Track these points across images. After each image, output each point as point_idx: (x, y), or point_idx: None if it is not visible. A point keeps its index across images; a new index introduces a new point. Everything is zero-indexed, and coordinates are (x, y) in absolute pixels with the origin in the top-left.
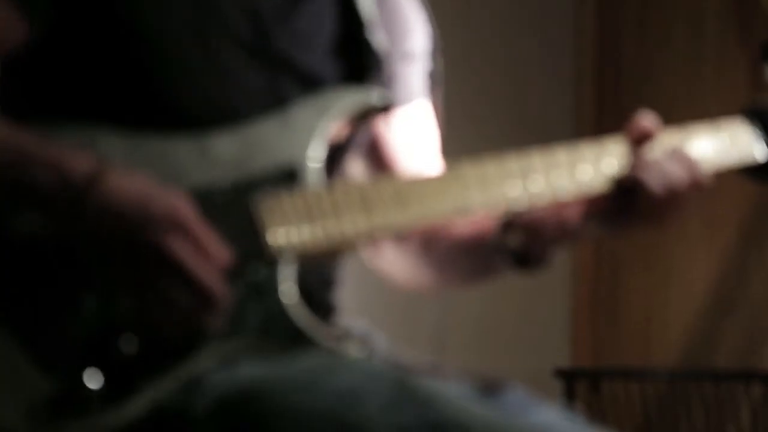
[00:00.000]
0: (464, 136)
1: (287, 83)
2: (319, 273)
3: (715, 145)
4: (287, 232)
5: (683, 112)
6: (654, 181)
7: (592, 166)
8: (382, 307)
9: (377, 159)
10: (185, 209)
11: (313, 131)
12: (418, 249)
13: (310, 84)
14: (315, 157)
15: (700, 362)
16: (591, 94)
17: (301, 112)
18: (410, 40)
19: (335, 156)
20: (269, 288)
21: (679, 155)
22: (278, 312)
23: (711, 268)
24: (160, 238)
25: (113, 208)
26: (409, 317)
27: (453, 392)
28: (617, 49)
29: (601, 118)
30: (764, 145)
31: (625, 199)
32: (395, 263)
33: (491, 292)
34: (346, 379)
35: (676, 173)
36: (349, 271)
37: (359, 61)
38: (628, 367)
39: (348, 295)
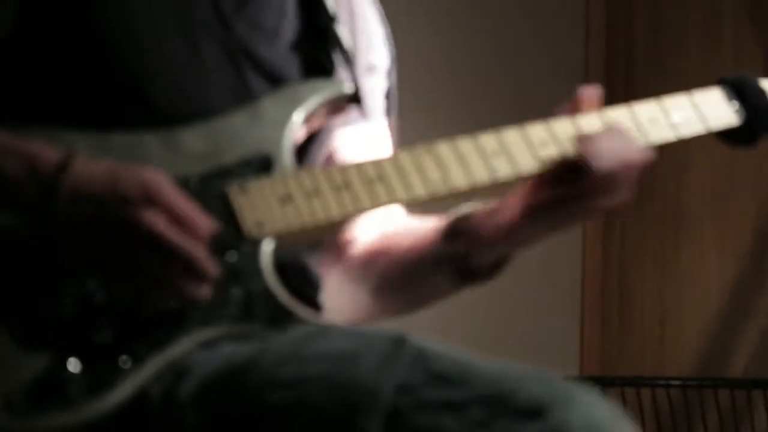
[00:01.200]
0: (471, 125)
1: (252, 77)
2: (301, 270)
3: (691, 113)
4: (264, 214)
5: None
6: (592, 154)
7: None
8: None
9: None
10: (157, 181)
11: (286, 121)
12: (358, 273)
13: (274, 79)
14: (288, 146)
15: (714, 370)
16: (600, 82)
17: (272, 103)
18: (373, 53)
19: (304, 150)
20: (249, 270)
21: (616, 130)
22: (260, 292)
23: (725, 273)
24: (135, 214)
25: (84, 190)
26: (413, 325)
27: (445, 347)
28: (628, 34)
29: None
30: (738, 110)
31: (565, 182)
32: (339, 295)
33: (498, 298)
34: (336, 343)
35: (615, 147)
36: None
37: (325, 57)
38: (639, 375)
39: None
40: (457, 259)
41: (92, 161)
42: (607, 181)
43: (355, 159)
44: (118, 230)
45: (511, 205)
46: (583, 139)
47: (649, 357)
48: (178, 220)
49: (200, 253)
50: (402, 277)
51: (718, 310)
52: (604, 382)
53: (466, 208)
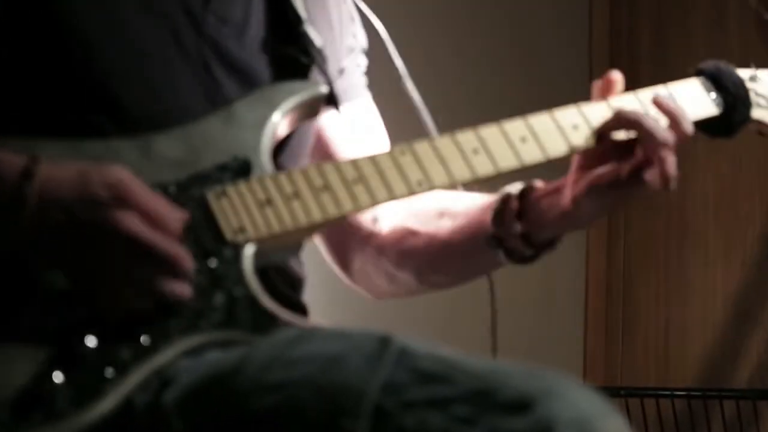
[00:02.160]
0: (475, 121)
1: (222, 74)
2: (283, 272)
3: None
4: (244, 219)
5: None
6: (644, 121)
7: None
8: (388, 323)
9: (325, 157)
10: (126, 180)
11: (262, 125)
12: (395, 256)
13: (244, 76)
14: (266, 149)
15: (719, 380)
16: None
17: (247, 107)
18: (349, 36)
19: (280, 153)
20: (231, 275)
21: (658, 100)
22: (242, 297)
23: (730, 281)
24: (106, 216)
25: (52, 196)
26: (417, 333)
27: (430, 346)
28: (632, 33)
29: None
30: (716, 100)
31: (618, 156)
32: (372, 277)
33: (500, 306)
34: (321, 346)
35: (660, 117)
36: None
37: (296, 55)
38: (643, 386)
39: (348, 307)
40: (512, 240)
41: (58, 166)
42: (657, 150)
43: (343, 139)
44: (90, 234)
45: (571, 185)
46: (623, 111)
47: (653, 367)
48: (149, 217)
49: (175, 248)
50: (447, 258)
51: (724, 319)
52: (607, 393)
53: (517, 186)
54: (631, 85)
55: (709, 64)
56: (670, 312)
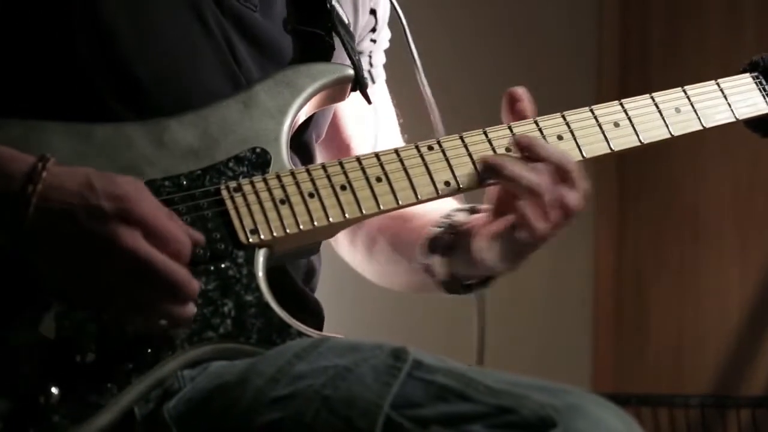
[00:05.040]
0: (481, 117)
1: (244, 50)
2: (296, 263)
3: (719, 100)
4: (259, 218)
5: None
6: (503, 168)
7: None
8: (395, 331)
9: (335, 140)
10: (135, 193)
11: (283, 113)
12: (365, 244)
13: (268, 51)
14: (285, 140)
15: (735, 388)
16: (614, 72)
17: (268, 92)
18: (367, 14)
19: (299, 136)
20: (242, 279)
21: (516, 140)
22: (253, 303)
23: (747, 285)
24: (109, 229)
25: (56, 199)
26: (419, 342)
27: (446, 360)
28: (644, 22)
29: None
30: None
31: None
32: (350, 254)
33: (506, 309)
34: (332, 358)
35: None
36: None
37: (322, 32)
38: (655, 393)
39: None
40: (439, 273)
41: (67, 169)
42: (522, 204)
43: (355, 119)
44: (91, 246)
45: (479, 229)
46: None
47: (666, 374)
48: (156, 236)
49: (180, 272)
50: (395, 273)
51: (739, 324)
52: (618, 400)
53: (451, 217)
54: (643, 82)
55: (761, 58)
56: (684, 315)
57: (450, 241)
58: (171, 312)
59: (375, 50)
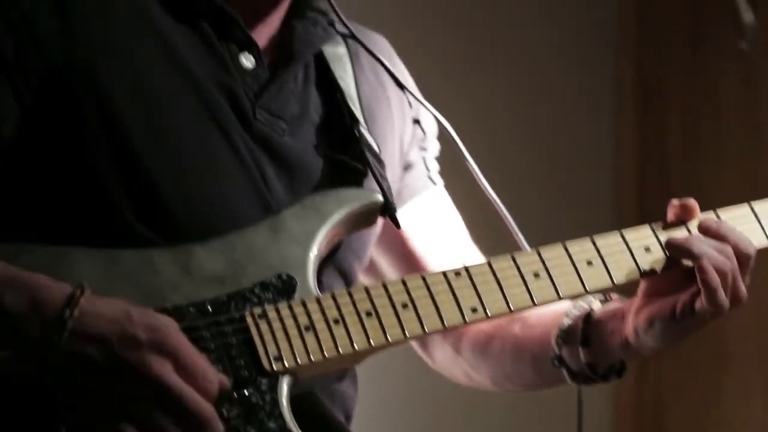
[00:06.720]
0: (495, 167)
1: (272, 171)
2: (325, 389)
3: (755, 226)
4: (283, 345)
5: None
6: (692, 246)
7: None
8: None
9: (404, 255)
10: (168, 326)
11: (310, 240)
12: (472, 362)
13: (296, 176)
14: (312, 267)
15: None
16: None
17: (296, 218)
18: (410, 127)
19: (338, 262)
20: (266, 406)
21: (704, 225)
22: (276, 431)
23: None
24: (140, 355)
25: (90, 330)
26: None
27: None
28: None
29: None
30: None
31: (675, 285)
32: (452, 365)
33: (520, 424)
34: None
35: (712, 243)
36: None
37: (350, 161)
38: None
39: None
40: (575, 364)
41: (104, 298)
42: (712, 276)
43: (416, 233)
44: (120, 372)
45: (634, 313)
46: (678, 240)
47: None
48: (186, 370)
49: (207, 409)
50: (518, 367)
51: None
52: None
53: (582, 306)
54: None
55: None
56: None
57: (586, 330)
58: None
59: (427, 157)
